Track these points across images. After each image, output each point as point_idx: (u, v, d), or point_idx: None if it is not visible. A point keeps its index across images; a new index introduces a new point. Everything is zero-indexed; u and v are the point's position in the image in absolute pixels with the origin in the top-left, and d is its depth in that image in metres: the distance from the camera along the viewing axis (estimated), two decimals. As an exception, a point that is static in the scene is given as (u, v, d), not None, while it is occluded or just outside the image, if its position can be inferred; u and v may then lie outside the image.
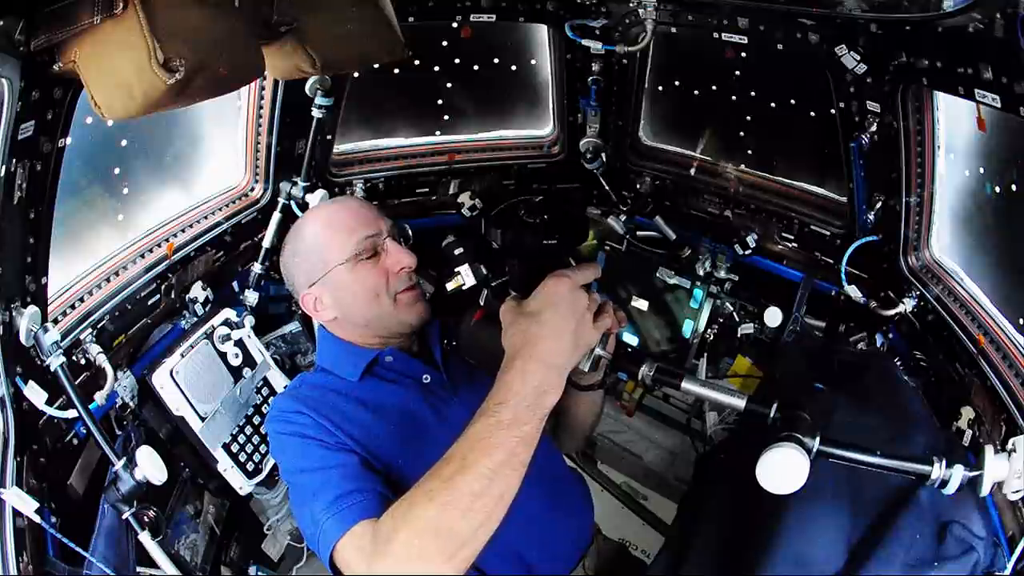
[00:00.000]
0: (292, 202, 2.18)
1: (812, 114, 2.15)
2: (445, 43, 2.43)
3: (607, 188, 2.66)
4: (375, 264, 1.52)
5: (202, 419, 1.87)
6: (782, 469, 1.01)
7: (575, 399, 1.73)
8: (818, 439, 1.03)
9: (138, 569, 1.53)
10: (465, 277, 2.29)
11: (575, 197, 2.75)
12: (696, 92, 2.47)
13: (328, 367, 1.58)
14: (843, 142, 1.93)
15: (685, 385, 1.21)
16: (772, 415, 1.12)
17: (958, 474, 1.03)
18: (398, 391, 1.53)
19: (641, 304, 2.58)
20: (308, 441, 1.37)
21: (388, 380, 1.54)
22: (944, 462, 1.03)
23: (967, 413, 1.64)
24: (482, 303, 1.44)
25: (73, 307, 1.65)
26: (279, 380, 2.19)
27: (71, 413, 1.45)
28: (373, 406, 1.47)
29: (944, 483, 1.04)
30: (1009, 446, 1.06)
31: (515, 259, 1.38)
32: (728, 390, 1.19)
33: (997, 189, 1.68)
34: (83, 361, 1.60)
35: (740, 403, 1.15)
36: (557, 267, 1.43)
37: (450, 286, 2.31)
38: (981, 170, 1.73)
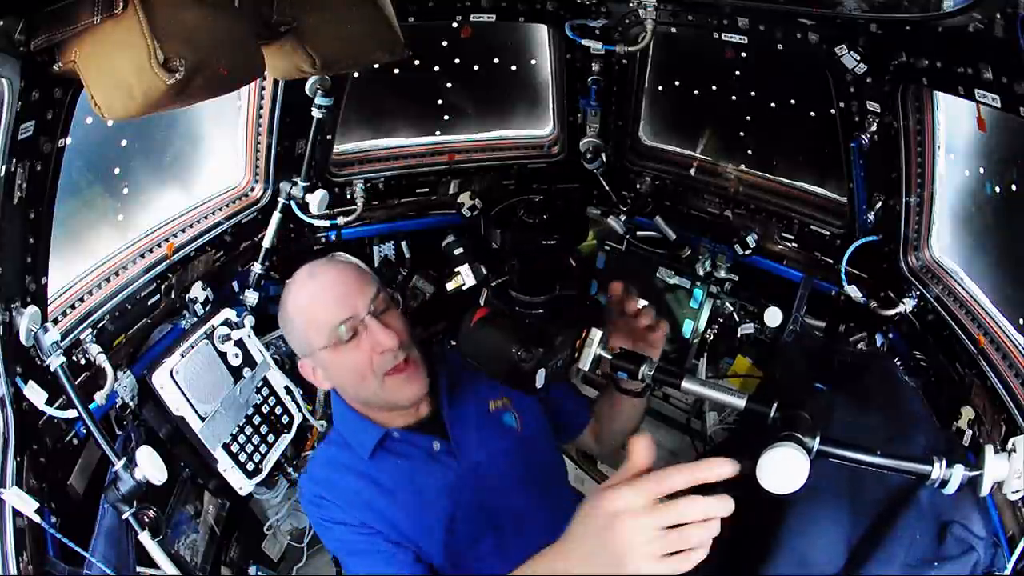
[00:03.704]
0: (292, 202, 2.18)
1: (812, 114, 2.15)
2: (445, 43, 2.43)
3: (607, 188, 2.66)
4: (357, 346, 1.47)
5: (202, 419, 1.87)
6: (782, 469, 1.01)
7: (619, 401, 1.74)
8: (818, 439, 1.03)
9: (138, 569, 1.53)
10: (465, 277, 2.29)
11: (575, 196, 2.75)
12: (696, 92, 2.47)
13: (343, 433, 1.60)
14: (843, 142, 1.93)
15: (685, 384, 1.21)
16: (772, 414, 1.12)
17: (958, 474, 1.03)
18: (410, 467, 1.54)
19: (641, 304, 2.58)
20: (339, 527, 1.48)
21: (399, 455, 1.56)
22: (944, 462, 1.03)
23: (967, 413, 1.64)
24: (482, 303, 1.43)
25: (73, 307, 1.65)
26: (279, 380, 2.19)
27: (71, 413, 1.45)
28: (387, 487, 1.51)
29: (944, 483, 1.04)
30: (1009, 446, 1.06)
31: (515, 259, 1.38)
32: (728, 390, 1.19)
33: (997, 189, 1.68)
34: (83, 361, 1.60)
35: (740, 403, 1.15)
36: (557, 267, 1.43)
37: (450, 286, 2.31)
38: (981, 170, 1.73)
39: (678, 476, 0.94)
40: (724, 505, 0.94)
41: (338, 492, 1.50)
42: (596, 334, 1.30)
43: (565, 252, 1.44)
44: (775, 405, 1.12)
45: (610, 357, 1.27)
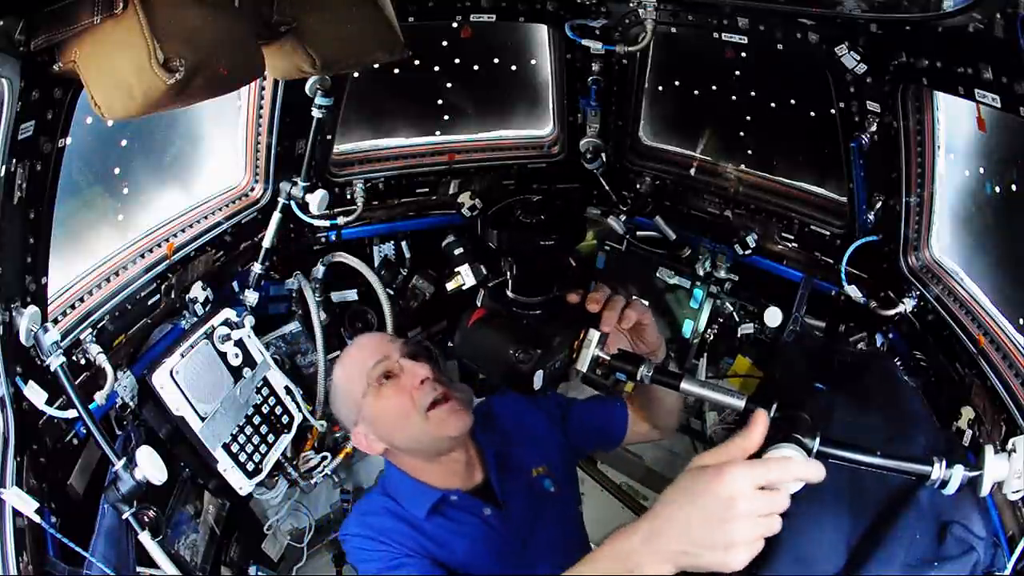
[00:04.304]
0: (292, 202, 2.18)
1: (812, 114, 2.15)
2: (445, 43, 2.43)
3: (607, 188, 2.66)
4: (396, 385, 1.57)
5: (202, 419, 1.87)
6: None
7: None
8: (818, 439, 1.03)
9: (138, 569, 1.53)
10: (465, 277, 2.28)
11: (574, 196, 2.75)
12: (696, 92, 2.47)
13: (394, 495, 1.62)
14: (843, 142, 1.93)
15: (684, 386, 1.21)
16: (772, 415, 1.12)
17: (958, 474, 1.03)
18: (464, 532, 1.58)
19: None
20: (382, 552, 1.52)
21: (452, 520, 1.59)
22: (944, 462, 1.03)
23: (967, 413, 1.64)
24: (479, 303, 1.43)
25: (73, 307, 1.65)
26: (279, 380, 2.19)
27: (71, 413, 1.45)
28: (442, 547, 1.54)
29: (944, 483, 1.04)
30: (1009, 446, 1.06)
31: (512, 259, 1.37)
32: (727, 390, 1.19)
33: (997, 189, 1.68)
34: (83, 361, 1.60)
35: (739, 403, 1.15)
36: (555, 267, 1.41)
37: (450, 286, 2.30)
38: (981, 170, 1.72)
39: (798, 470, 0.97)
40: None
41: (388, 533, 1.53)
42: (594, 335, 1.30)
43: (563, 252, 1.43)
44: (774, 406, 1.12)
45: (608, 358, 1.27)
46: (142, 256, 1.88)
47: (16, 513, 1.27)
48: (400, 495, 1.61)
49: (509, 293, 1.37)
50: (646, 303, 1.44)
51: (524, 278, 1.36)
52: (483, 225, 1.39)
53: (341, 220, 2.39)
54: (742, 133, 2.41)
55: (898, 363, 1.94)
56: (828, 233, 2.21)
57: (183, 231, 2.01)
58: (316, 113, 2.06)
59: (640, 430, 1.86)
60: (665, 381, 1.23)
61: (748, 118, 2.36)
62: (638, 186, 2.63)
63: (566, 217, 1.39)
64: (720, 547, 0.93)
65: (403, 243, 2.64)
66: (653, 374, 1.23)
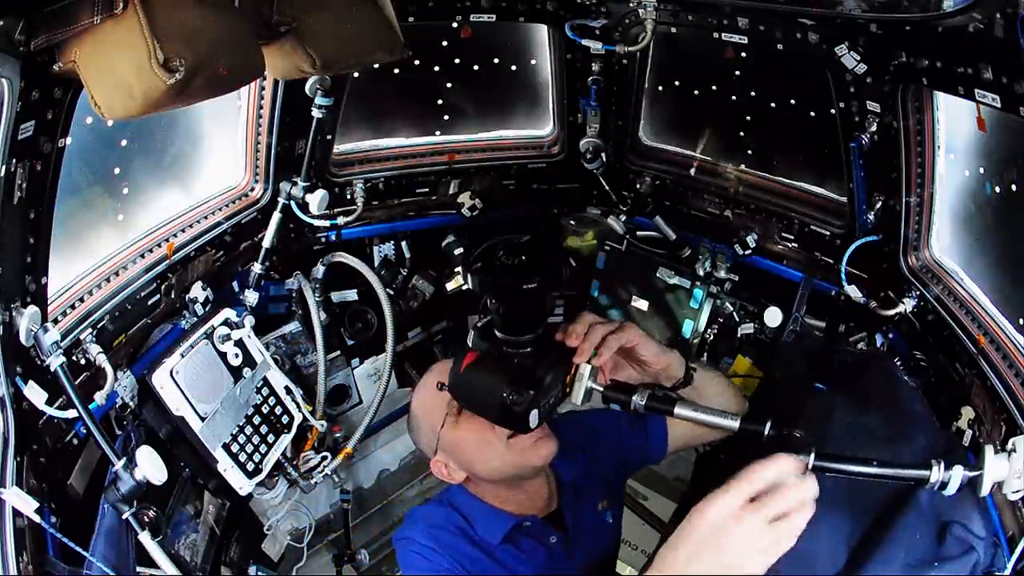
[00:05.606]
0: (292, 202, 2.18)
1: (812, 114, 2.15)
2: (445, 43, 2.43)
3: (607, 188, 2.66)
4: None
5: (202, 419, 1.87)
6: None
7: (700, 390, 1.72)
8: (812, 455, 1.02)
9: (138, 569, 1.53)
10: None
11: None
12: (696, 92, 2.47)
13: (466, 514, 1.59)
14: (843, 142, 1.93)
15: (678, 411, 1.22)
16: (767, 432, 1.12)
17: (958, 475, 1.03)
18: (530, 561, 1.57)
19: (641, 304, 2.57)
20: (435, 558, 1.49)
21: (523, 549, 1.58)
22: (942, 465, 1.03)
23: (967, 413, 1.64)
24: (470, 345, 1.41)
25: (73, 307, 1.65)
26: (279, 380, 2.19)
27: (71, 413, 1.45)
28: (504, 569, 1.53)
29: (944, 485, 1.03)
30: (1009, 446, 1.06)
31: (496, 302, 1.33)
32: (722, 413, 1.20)
33: (997, 189, 1.68)
34: (83, 361, 1.60)
35: (734, 425, 1.16)
36: (538, 309, 1.38)
37: (450, 286, 2.32)
38: (981, 170, 1.73)
39: (768, 471, 0.96)
40: (814, 486, 0.95)
41: (455, 552, 1.51)
42: (585, 368, 1.30)
43: (545, 294, 1.38)
44: (768, 424, 1.13)
45: (601, 389, 1.28)
46: (142, 256, 1.88)
47: (16, 513, 1.27)
48: (474, 517, 1.59)
49: (498, 333, 1.35)
50: (634, 325, 1.42)
51: (511, 319, 1.34)
52: (465, 270, 1.36)
53: (341, 220, 2.39)
54: (742, 133, 2.42)
55: (898, 363, 1.94)
56: (828, 233, 2.21)
57: (183, 231, 2.02)
58: (316, 113, 2.06)
59: (696, 432, 1.79)
60: (659, 408, 1.24)
61: (748, 118, 2.36)
62: (638, 186, 2.64)
63: (549, 259, 1.34)
64: (731, 570, 0.94)
65: (403, 243, 2.64)
66: (647, 402, 1.24)
